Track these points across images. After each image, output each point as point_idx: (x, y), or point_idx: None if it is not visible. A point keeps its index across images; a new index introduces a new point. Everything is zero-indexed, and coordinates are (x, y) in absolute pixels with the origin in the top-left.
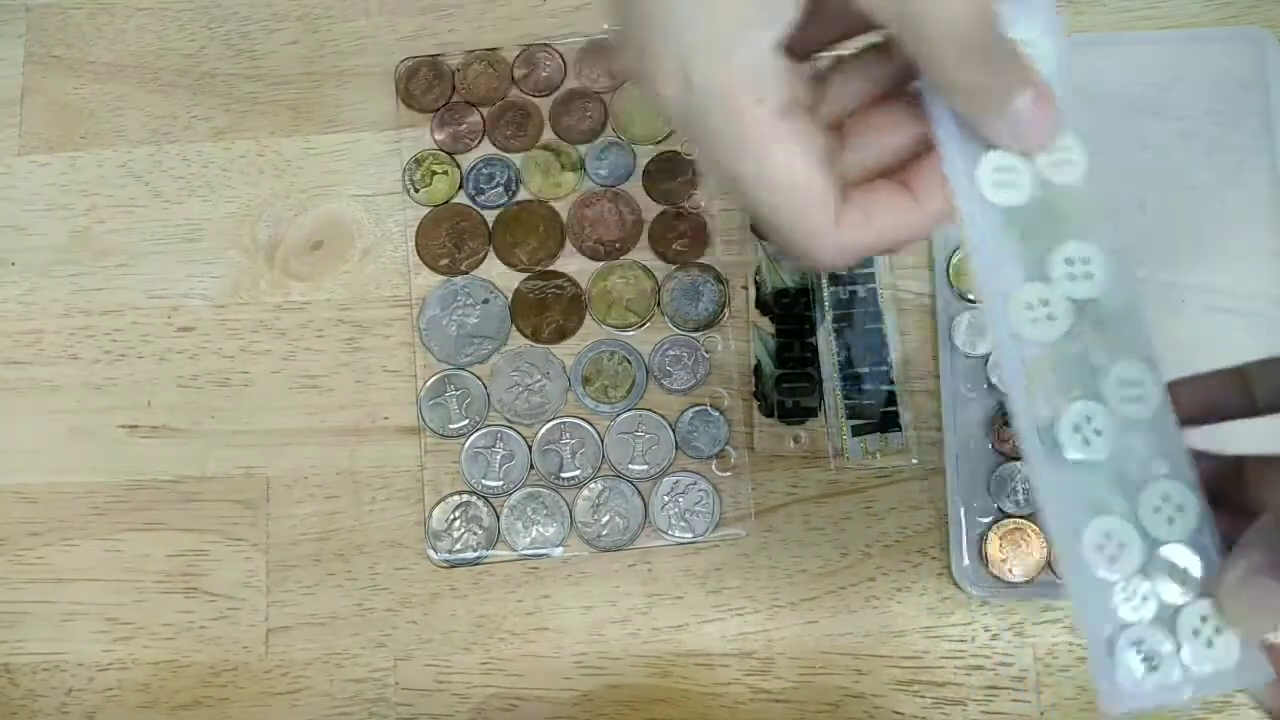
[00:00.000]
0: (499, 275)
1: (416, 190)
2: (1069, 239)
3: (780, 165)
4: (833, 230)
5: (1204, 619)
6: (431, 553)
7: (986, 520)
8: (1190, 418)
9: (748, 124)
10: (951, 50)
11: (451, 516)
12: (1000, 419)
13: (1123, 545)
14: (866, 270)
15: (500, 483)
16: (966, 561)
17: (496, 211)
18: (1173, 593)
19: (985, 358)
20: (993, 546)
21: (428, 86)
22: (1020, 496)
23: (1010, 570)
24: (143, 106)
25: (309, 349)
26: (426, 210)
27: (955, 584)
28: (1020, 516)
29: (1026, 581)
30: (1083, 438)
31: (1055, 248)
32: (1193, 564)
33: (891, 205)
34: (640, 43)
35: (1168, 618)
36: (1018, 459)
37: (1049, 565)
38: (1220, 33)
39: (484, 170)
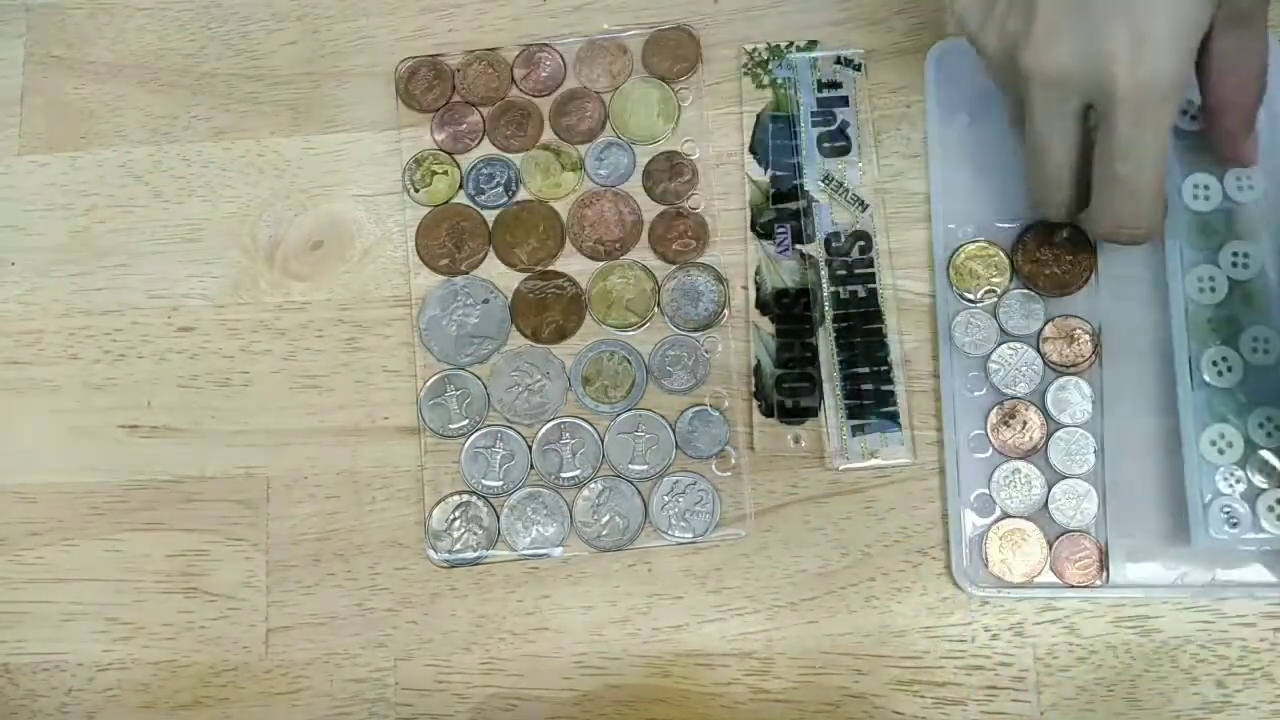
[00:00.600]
0: (499, 275)
1: (416, 190)
2: (1237, 238)
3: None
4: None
5: (1278, 500)
6: (431, 553)
7: (987, 520)
8: None
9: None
10: (1252, 87)
11: (451, 516)
12: (1000, 418)
13: (1230, 444)
14: (867, 270)
15: (500, 483)
16: (967, 561)
17: (496, 211)
18: (1260, 481)
19: (985, 357)
20: (993, 546)
21: (428, 86)
22: (1020, 496)
23: (1010, 570)
24: (143, 106)
25: (309, 349)
26: (426, 210)
27: (955, 584)
28: (1020, 516)
29: (1026, 582)
30: (1217, 370)
31: (1227, 243)
32: (1278, 464)
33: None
34: (1133, 33)
35: (1251, 497)
36: (1018, 458)
37: (1049, 565)
38: None
39: (484, 170)
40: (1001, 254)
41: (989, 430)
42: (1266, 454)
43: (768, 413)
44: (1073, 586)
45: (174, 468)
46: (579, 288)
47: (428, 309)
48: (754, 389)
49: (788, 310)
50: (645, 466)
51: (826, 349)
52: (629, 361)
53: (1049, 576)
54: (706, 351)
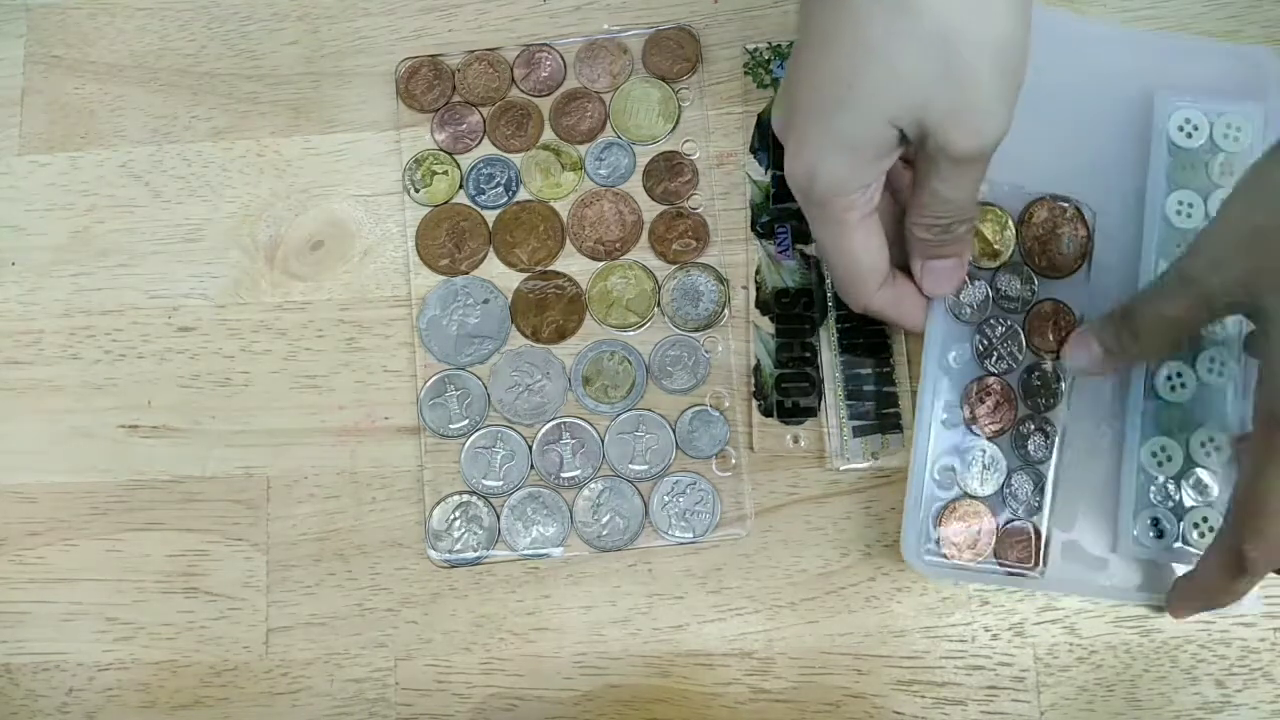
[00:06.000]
0: (499, 275)
1: (416, 190)
2: None
3: (853, 248)
4: (873, 295)
5: (1204, 519)
6: (432, 553)
7: (945, 496)
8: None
9: (844, 223)
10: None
11: (451, 516)
12: (976, 394)
13: (1170, 458)
14: None
15: (500, 483)
16: (915, 535)
17: (496, 211)
18: (1192, 498)
19: (974, 327)
20: (946, 523)
21: (428, 86)
22: (978, 476)
23: (958, 550)
24: (143, 106)
25: (309, 349)
26: (426, 210)
27: (900, 555)
28: (976, 497)
29: (971, 561)
30: (1171, 385)
31: None
32: (1212, 483)
33: (915, 299)
34: (794, 138)
35: (1182, 512)
36: (986, 438)
37: (993, 549)
38: (1222, 47)
39: (484, 170)
40: (1010, 220)
41: (962, 404)
42: (1203, 473)
43: (768, 413)
44: (1010, 574)
45: (174, 468)
46: (579, 288)
47: (428, 309)
48: (754, 389)
49: (788, 310)
50: (645, 466)
51: (827, 349)
52: (629, 361)
53: (992, 562)
54: (706, 351)
